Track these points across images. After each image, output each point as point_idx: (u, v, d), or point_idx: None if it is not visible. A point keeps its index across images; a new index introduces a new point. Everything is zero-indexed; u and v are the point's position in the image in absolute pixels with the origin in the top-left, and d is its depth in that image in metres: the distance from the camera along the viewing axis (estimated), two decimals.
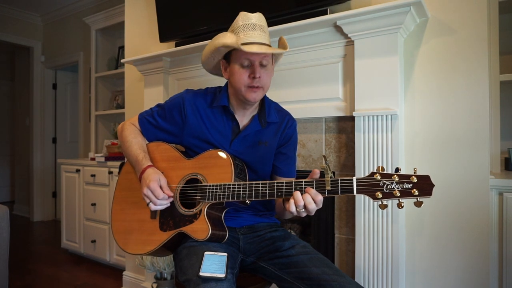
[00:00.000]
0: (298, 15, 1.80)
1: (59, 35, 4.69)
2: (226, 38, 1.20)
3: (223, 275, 1.04)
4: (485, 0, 1.50)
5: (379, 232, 1.59)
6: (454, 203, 1.56)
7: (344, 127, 1.79)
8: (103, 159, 3.13)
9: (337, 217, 1.81)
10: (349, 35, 1.66)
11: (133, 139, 1.35)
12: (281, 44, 1.27)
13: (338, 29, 1.69)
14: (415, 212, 1.64)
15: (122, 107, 3.59)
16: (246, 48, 1.15)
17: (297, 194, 1.03)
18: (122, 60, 2.56)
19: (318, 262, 1.16)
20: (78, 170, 3.36)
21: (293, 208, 1.04)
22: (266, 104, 1.34)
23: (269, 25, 1.81)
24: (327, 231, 1.85)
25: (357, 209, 1.64)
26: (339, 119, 1.80)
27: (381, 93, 1.59)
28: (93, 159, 3.38)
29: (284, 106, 1.45)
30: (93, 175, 3.19)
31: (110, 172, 3.04)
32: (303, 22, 1.71)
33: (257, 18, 1.22)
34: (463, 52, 1.54)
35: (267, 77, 1.24)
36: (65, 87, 5.11)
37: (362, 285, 1.62)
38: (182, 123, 1.33)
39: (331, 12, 1.74)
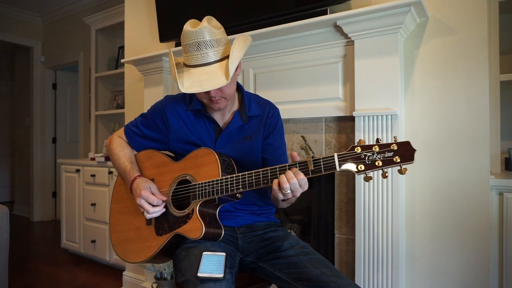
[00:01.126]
0: (298, 15, 1.80)
1: (59, 35, 4.69)
2: (172, 71, 1.19)
3: (221, 275, 1.04)
4: (485, 0, 1.50)
5: (379, 232, 1.58)
6: (454, 203, 1.56)
7: (344, 127, 1.79)
8: (103, 159, 3.13)
9: (337, 217, 1.81)
10: (349, 35, 1.65)
11: (120, 151, 1.37)
12: (225, 70, 1.15)
13: (338, 29, 1.69)
14: (415, 213, 1.64)
15: (122, 107, 3.59)
16: (182, 89, 1.13)
17: (282, 176, 1.03)
18: (122, 60, 2.56)
19: (317, 263, 1.16)
20: (78, 170, 3.36)
21: (277, 190, 1.04)
22: (245, 99, 1.34)
23: (269, 25, 1.82)
24: (327, 231, 1.85)
25: (357, 209, 1.64)
26: (339, 119, 1.80)
27: (381, 93, 1.59)
28: (93, 159, 3.38)
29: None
30: (93, 175, 3.19)
31: (110, 172, 3.04)
32: (303, 22, 1.70)
33: (201, 34, 1.13)
34: (463, 52, 1.54)
35: (226, 88, 1.21)
36: (65, 87, 5.11)
37: (362, 285, 1.62)
38: (166, 129, 1.35)
39: (331, 12, 1.74)
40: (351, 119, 1.72)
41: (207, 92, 1.19)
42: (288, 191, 1.02)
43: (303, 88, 1.85)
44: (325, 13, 1.73)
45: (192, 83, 1.14)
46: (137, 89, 2.67)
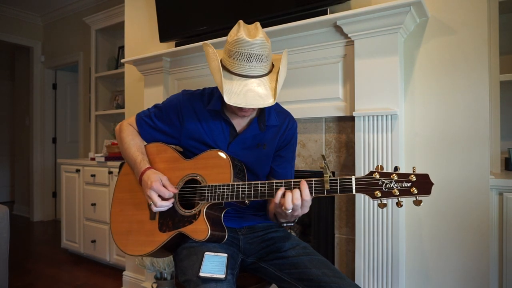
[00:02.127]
0: (298, 15, 1.80)
1: (59, 35, 4.69)
2: (216, 75, 1.14)
3: (223, 276, 1.04)
4: (485, 0, 1.50)
5: (379, 232, 1.59)
6: (454, 203, 1.56)
7: (344, 127, 1.79)
8: (103, 159, 3.13)
9: (337, 217, 1.81)
10: (349, 35, 1.65)
11: (131, 140, 1.35)
12: (274, 91, 1.13)
13: (338, 29, 1.69)
14: (415, 212, 1.64)
15: (122, 107, 3.59)
16: (227, 100, 1.10)
17: (288, 196, 1.04)
18: (122, 60, 2.56)
19: (318, 263, 1.16)
20: (78, 170, 3.36)
21: (278, 205, 1.06)
22: (266, 107, 1.30)
23: (269, 25, 1.82)
24: (327, 231, 1.85)
25: (357, 209, 1.64)
26: (339, 119, 1.80)
27: (381, 93, 1.59)
28: (93, 159, 3.38)
29: (284, 106, 1.45)
30: (93, 175, 3.19)
31: (110, 172, 3.04)
32: (303, 22, 1.70)
33: (256, 46, 1.11)
34: (463, 52, 1.54)
35: None
36: (65, 87, 5.11)
37: (362, 286, 1.62)
38: (179, 125, 1.33)
39: (331, 12, 1.74)
40: (351, 119, 1.72)
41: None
42: (289, 212, 1.04)
43: (303, 88, 1.85)
44: (325, 13, 1.73)
45: (236, 95, 1.11)
46: (137, 89, 2.68)
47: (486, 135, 1.50)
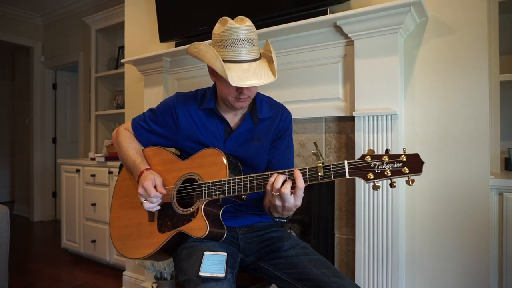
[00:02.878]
0: (298, 15, 1.80)
1: (59, 35, 4.69)
2: (215, 62, 1.14)
3: (222, 275, 1.05)
4: (485, 0, 1.50)
5: (379, 232, 1.59)
6: (454, 203, 1.56)
7: (344, 127, 1.79)
8: (103, 159, 3.14)
9: (337, 217, 1.81)
10: (349, 35, 1.66)
11: (129, 144, 1.36)
12: (271, 68, 1.18)
13: (338, 29, 1.69)
14: (415, 212, 1.64)
15: (122, 107, 3.59)
16: (233, 82, 1.10)
17: (277, 181, 1.05)
18: (122, 60, 2.56)
19: (318, 263, 1.16)
20: (78, 170, 3.36)
21: (269, 190, 1.06)
22: (257, 101, 1.33)
23: (269, 25, 1.83)
24: (327, 231, 1.85)
25: (357, 209, 1.64)
26: (339, 119, 1.80)
27: (381, 93, 1.59)
28: (93, 159, 3.38)
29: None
30: (93, 175, 3.19)
31: (110, 172, 3.04)
32: (303, 22, 1.71)
33: (246, 31, 1.14)
34: (463, 52, 1.54)
35: (256, 88, 1.25)
36: (65, 87, 5.11)
37: (362, 285, 1.62)
38: (175, 127, 1.35)
39: (331, 12, 1.74)
40: (351, 119, 1.72)
41: (240, 90, 1.19)
42: (277, 193, 1.04)
43: (303, 88, 1.85)
44: (325, 13, 1.73)
45: (238, 77, 1.12)
46: (137, 89, 2.68)
47: (486, 135, 1.50)
